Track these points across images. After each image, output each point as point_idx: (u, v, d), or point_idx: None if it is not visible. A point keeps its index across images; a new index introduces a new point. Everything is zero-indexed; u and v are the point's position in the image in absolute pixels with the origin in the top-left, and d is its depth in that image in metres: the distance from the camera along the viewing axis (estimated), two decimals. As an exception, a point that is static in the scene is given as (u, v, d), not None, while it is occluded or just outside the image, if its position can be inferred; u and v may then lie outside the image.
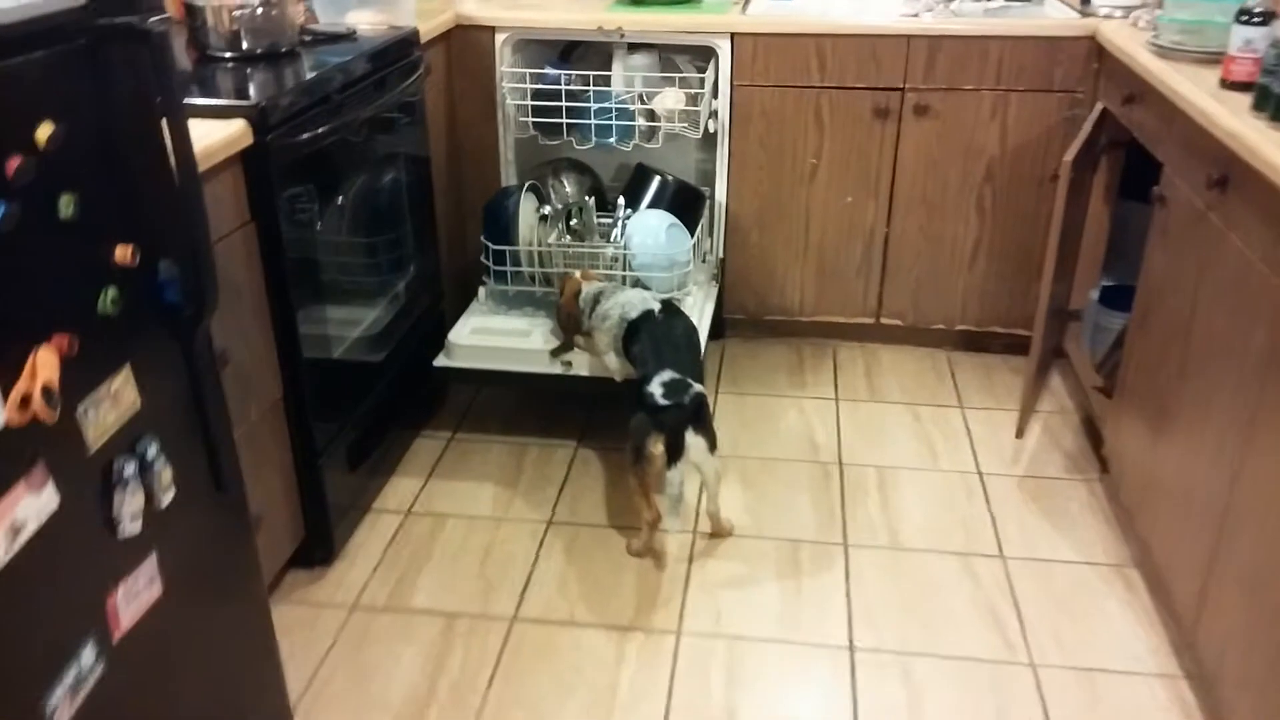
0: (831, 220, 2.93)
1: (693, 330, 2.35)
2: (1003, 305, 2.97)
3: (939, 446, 2.64)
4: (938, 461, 2.57)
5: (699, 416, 2.13)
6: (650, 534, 2.23)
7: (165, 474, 1.39)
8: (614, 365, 2.41)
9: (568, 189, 2.96)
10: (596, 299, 2.44)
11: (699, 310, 2.71)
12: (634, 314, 2.33)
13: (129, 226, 1.32)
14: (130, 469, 1.33)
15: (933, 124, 2.77)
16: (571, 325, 2.48)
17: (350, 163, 2.26)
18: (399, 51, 2.42)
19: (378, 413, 2.43)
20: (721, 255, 3.00)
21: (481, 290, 2.77)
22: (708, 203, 2.94)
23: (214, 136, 1.74)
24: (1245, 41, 1.93)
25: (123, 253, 1.29)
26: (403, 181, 2.54)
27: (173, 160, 1.37)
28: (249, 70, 2.12)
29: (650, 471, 2.14)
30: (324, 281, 2.16)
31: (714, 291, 2.94)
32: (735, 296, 3.08)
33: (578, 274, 2.54)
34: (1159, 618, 2.07)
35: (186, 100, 1.84)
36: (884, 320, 3.05)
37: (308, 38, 2.37)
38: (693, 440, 2.10)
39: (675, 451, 2.08)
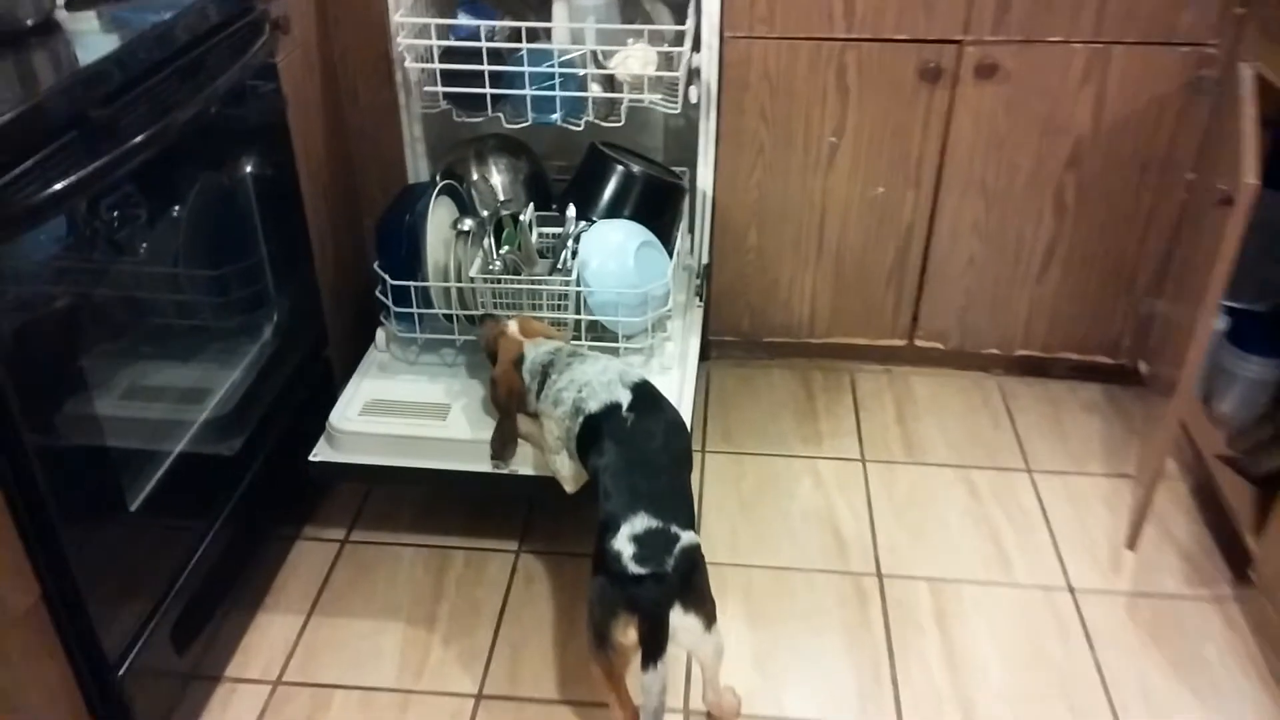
0: (855, 216, 2.18)
1: (678, 433, 1.60)
2: (1080, 327, 2.25)
3: (1008, 540, 1.95)
4: (1011, 569, 1.89)
5: (690, 586, 1.42)
6: (623, 738, 1.54)
7: None
8: (565, 471, 1.68)
9: (496, 180, 2.16)
10: (546, 370, 1.69)
11: (682, 358, 1.97)
12: (593, 406, 1.59)
13: None
14: None
15: (1001, 90, 2.00)
16: (514, 404, 1.73)
17: (152, 182, 1.47)
18: (226, 9, 1.59)
19: (233, 528, 1.69)
20: (707, 261, 2.25)
21: (380, 333, 2.00)
22: (688, 195, 2.17)
23: None
24: None
25: None
26: (248, 190, 1.75)
27: None
28: (-46, 64, 1.30)
29: (619, 662, 1.44)
30: (113, 378, 1.40)
31: (698, 319, 2.19)
32: (725, 313, 2.33)
33: (513, 325, 1.78)
34: None
35: None
36: (919, 342, 2.33)
37: (82, -8, 1.54)
38: (682, 623, 1.40)
39: (655, 644, 1.37)
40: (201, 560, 1.60)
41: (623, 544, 1.41)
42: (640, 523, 1.42)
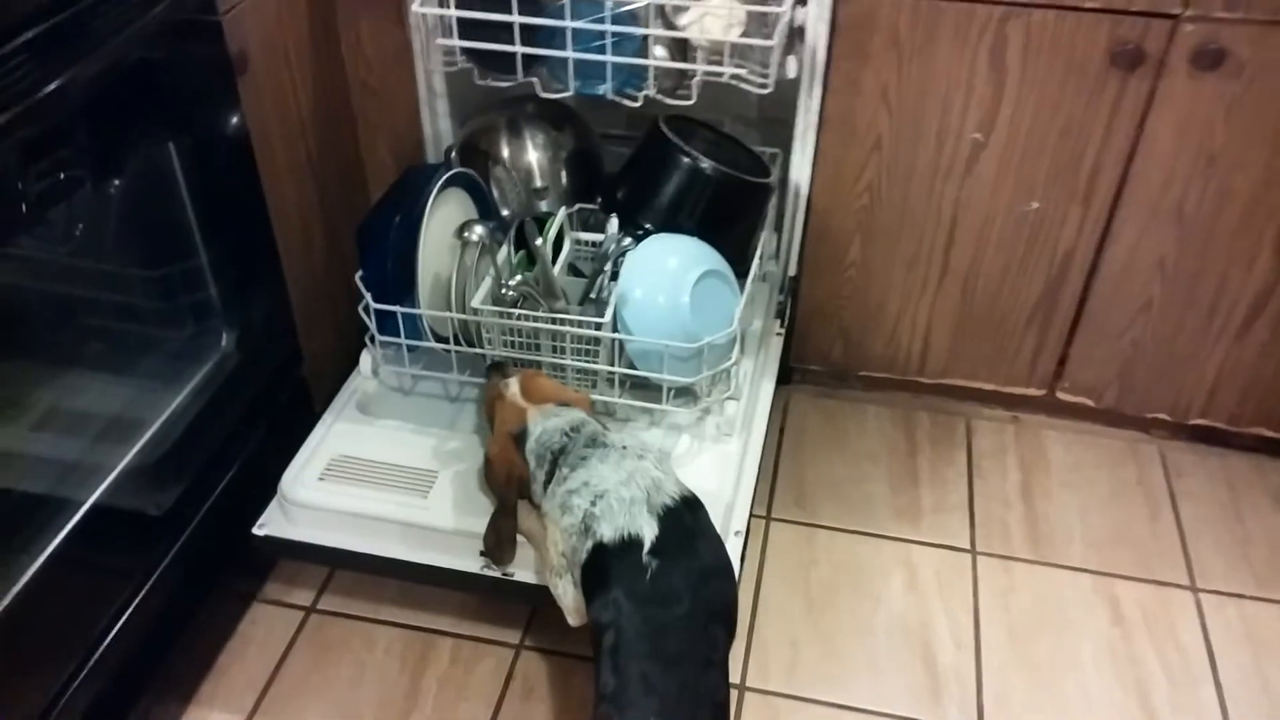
0: (996, 235, 1.65)
1: (717, 588, 1.13)
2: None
3: (1159, 695, 1.47)
4: (1160, 745, 1.42)
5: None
6: None
7: None
8: (568, 600, 1.24)
9: (531, 159, 1.69)
10: (556, 457, 1.25)
11: (747, 422, 1.50)
12: (606, 532, 1.14)
13: None
14: None
15: (1226, 87, 1.43)
16: (513, 493, 1.29)
17: (42, 161, 1.07)
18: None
19: (159, 603, 1.33)
20: (794, 274, 1.76)
21: (365, 357, 1.57)
22: (775, 193, 1.66)
23: None
24: None
25: None
26: (174, 173, 1.33)
27: None
28: None
29: None
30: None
31: (776, 350, 1.71)
32: (812, 338, 1.85)
33: (514, 385, 1.33)
34: None
35: None
36: (1062, 395, 1.81)
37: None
38: None
39: None
40: (102, 662, 1.24)
41: (617, 767, 0.98)
42: (644, 740, 0.99)
